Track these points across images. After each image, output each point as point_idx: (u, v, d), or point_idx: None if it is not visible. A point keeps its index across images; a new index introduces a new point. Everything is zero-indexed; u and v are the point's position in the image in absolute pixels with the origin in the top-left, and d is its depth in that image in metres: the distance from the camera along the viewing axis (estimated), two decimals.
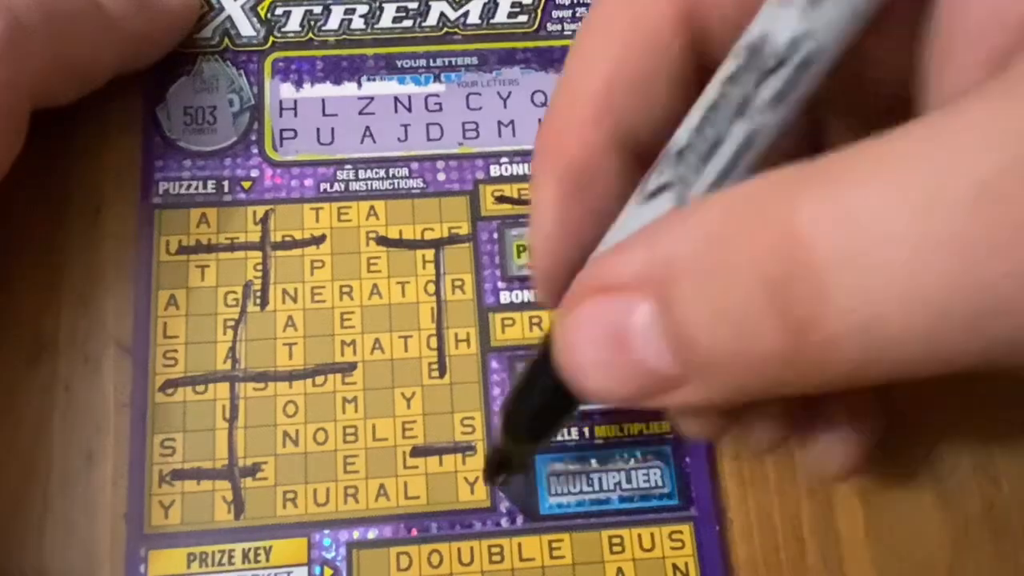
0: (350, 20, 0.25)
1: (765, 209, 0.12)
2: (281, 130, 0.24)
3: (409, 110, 0.24)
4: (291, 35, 0.25)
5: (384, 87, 0.24)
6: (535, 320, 0.23)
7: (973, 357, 0.11)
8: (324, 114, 0.24)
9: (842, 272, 0.11)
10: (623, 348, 0.13)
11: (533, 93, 0.25)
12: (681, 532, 0.21)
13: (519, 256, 0.23)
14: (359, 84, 0.24)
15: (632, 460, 0.22)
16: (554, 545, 0.21)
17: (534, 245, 0.17)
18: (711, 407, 0.16)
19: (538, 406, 0.17)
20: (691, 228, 0.13)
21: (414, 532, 0.21)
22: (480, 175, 0.24)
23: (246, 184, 0.23)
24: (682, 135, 0.14)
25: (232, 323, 0.22)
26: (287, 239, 0.23)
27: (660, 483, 0.22)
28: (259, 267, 0.23)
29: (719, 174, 0.14)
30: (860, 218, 0.11)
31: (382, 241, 0.23)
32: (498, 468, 0.20)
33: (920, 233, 0.11)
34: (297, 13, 0.25)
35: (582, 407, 0.21)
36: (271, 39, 0.25)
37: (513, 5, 0.25)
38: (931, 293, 0.11)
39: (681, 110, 0.15)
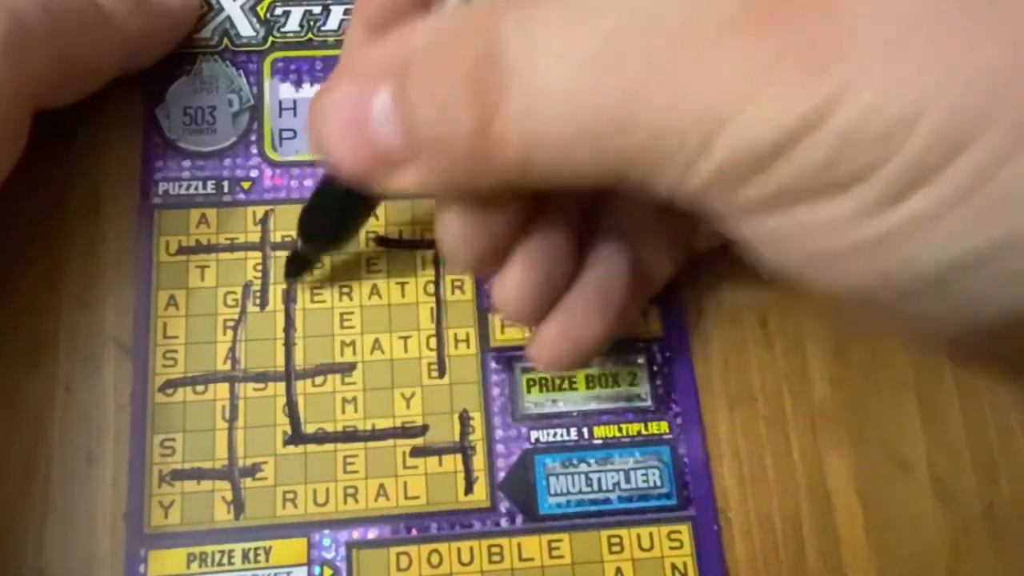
0: (350, 20, 0.25)
1: (481, 18, 0.15)
2: (281, 130, 0.24)
3: None
4: (290, 35, 0.25)
5: None
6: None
7: (605, 160, 0.14)
8: None
9: (518, 76, 0.14)
10: (362, 124, 0.16)
11: None
12: (680, 532, 0.21)
13: None
14: None
15: (631, 460, 0.22)
16: (553, 545, 0.21)
17: (336, 70, 0.19)
18: (434, 194, 0.18)
19: (330, 206, 0.20)
20: (427, 28, 0.15)
21: (414, 532, 0.21)
22: None
23: (246, 184, 0.23)
24: None
25: (232, 323, 0.22)
26: (287, 239, 0.23)
27: (659, 483, 0.22)
28: (259, 267, 0.23)
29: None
30: (535, 35, 0.14)
31: (382, 241, 0.23)
32: (297, 269, 0.22)
33: (571, 49, 0.14)
34: (296, 13, 0.25)
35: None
36: (270, 39, 0.25)
37: None
38: (573, 97, 0.14)
39: None
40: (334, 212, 0.20)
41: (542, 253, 0.19)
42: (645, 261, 0.21)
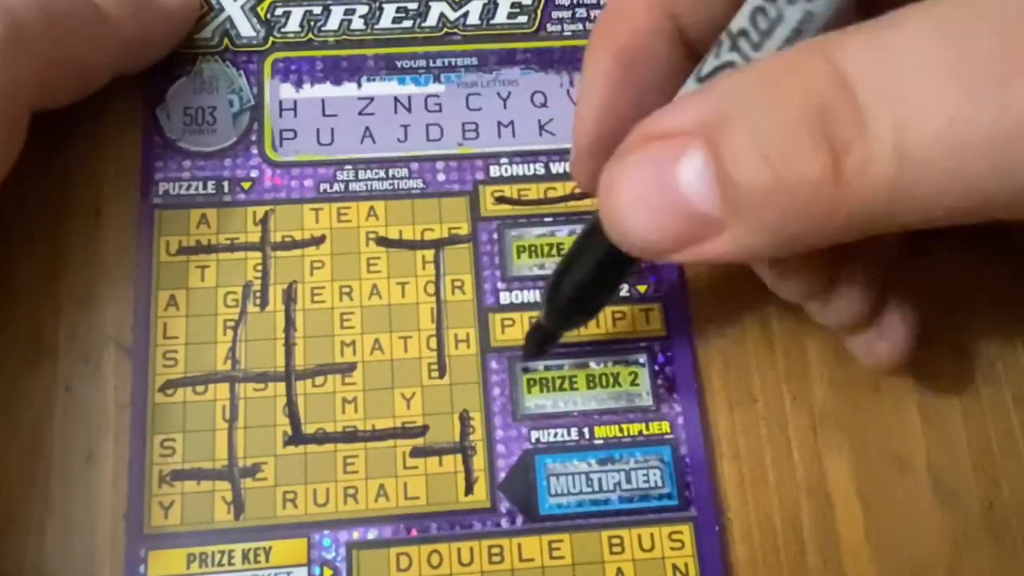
0: (350, 20, 0.25)
1: (812, 55, 0.13)
2: (281, 130, 0.24)
3: (409, 110, 0.24)
4: (291, 35, 0.25)
5: (384, 87, 0.24)
6: (535, 320, 0.23)
7: (995, 184, 0.12)
8: (324, 114, 0.24)
9: (879, 99, 0.12)
10: (668, 189, 0.14)
11: (533, 94, 0.25)
12: (681, 532, 0.21)
13: (519, 257, 0.23)
14: (359, 84, 0.24)
15: (632, 460, 0.22)
16: (554, 545, 0.21)
17: (579, 120, 0.18)
18: (749, 259, 0.16)
19: (585, 275, 0.18)
20: (743, 77, 0.14)
21: (414, 532, 0.21)
22: (480, 175, 0.24)
23: (246, 184, 0.23)
24: (740, 20, 0.15)
25: (232, 323, 0.22)
26: (287, 239, 0.23)
27: (660, 483, 0.22)
28: (259, 268, 0.23)
29: (776, 52, 0.15)
30: (898, 53, 0.12)
31: (382, 242, 0.23)
32: (539, 345, 0.21)
33: (954, 59, 0.12)
34: (297, 13, 0.25)
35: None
36: (271, 39, 0.25)
37: (513, 6, 0.25)
38: (960, 116, 0.12)
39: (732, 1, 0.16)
40: (598, 279, 0.19)
41: (864, 273, 0.19)
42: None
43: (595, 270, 0.18)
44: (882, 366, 0.21)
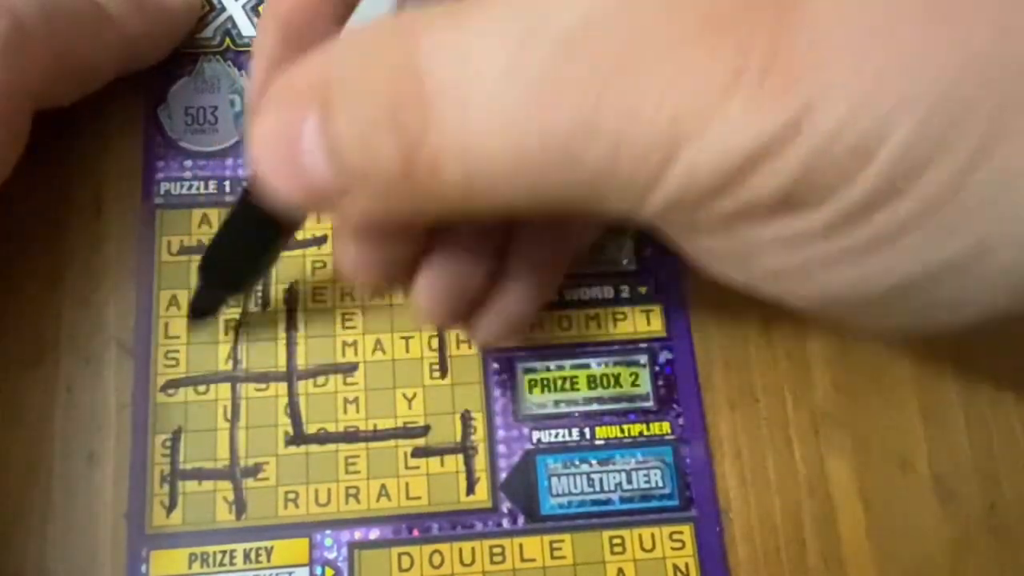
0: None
1: (397, 39, 0.13)
2: None
3: None
4: None
5: None
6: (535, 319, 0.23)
7: (553, 191, 0.13)
8: None
9: (446, 100, 0.13)
10: (293, 154, 0.14)
11: None
12: (682, 533, 0.21)
13: None
14: None
15: (633, 461, 0.22)
16: (555, 545, 0.21)
17: (252, 86, 0.18)
18: (376, 221, 0.16)
19: (239, 245, 0.19)
20: (347, 48, 0.14)
21: (415, 532, 0.21)
22: None
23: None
24: None
25: (233, 323, 0.22)
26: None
27: (660, 484, 0.22)
28: None
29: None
30: (467, 52, 0.13)
31: None
32: (203, 312, 0.21)
33: (511, 69, 0.12)
34: None
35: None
36: None
37: None
38: (516, 125, 0.12)
39: None
40: (245, 249, 0.19)
41: (448, 267, 0.17)
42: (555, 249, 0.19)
43: (246, 236, 0.19)
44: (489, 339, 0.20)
